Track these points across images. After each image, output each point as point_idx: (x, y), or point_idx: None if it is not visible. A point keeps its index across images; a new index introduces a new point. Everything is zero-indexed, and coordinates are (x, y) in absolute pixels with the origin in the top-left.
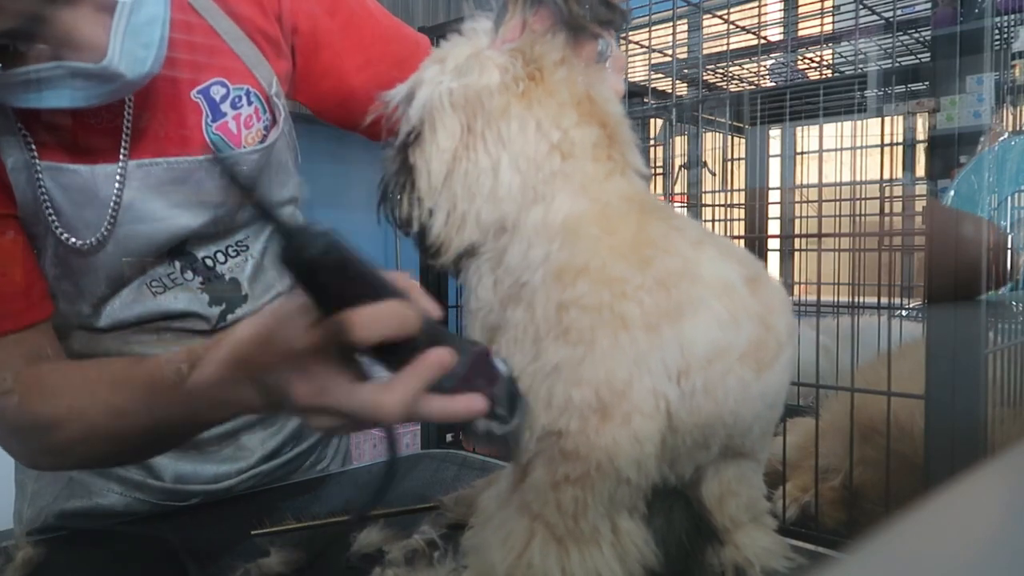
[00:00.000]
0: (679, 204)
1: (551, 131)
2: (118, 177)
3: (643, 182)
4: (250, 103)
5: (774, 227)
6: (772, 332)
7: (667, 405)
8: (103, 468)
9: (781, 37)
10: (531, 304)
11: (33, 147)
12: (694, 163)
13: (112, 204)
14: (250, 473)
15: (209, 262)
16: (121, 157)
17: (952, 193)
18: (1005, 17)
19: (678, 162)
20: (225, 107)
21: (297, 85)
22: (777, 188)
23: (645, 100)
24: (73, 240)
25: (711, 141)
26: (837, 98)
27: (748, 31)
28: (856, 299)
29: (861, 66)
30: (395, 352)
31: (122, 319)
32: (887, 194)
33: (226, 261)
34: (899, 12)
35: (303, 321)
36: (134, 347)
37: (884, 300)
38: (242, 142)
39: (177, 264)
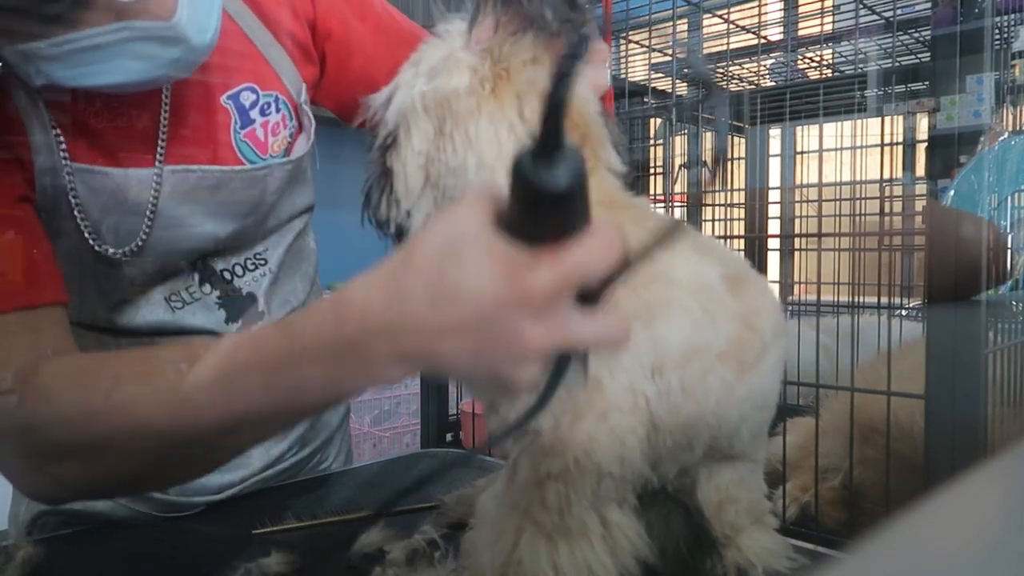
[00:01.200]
0: (679, 204)
1: (521, 132)
2: (154, 182)
3: (616, 180)
4: (278, 110)
5: (774, 227)
6: (756, 332)
7: (646, 402)
8: (124, 493)
9: (781, 37)
10: None
11: (64, 148)
12: (694, 163)
13: (149, 211)
14: (252, 480)
15: (227, 275)
16: (157, 162)
17: (952, 193)
18: (1005, 17)
19: (678, 162)
20: (254, 113)
21: (326, 90)
22: (777, 188)
23: (645, 100)
24: (106, 247)
25: (711, 141)
26: (837, 98)
27: (748, 31)
28: (856, 299)
29: (861, 66)
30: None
31: (138, 326)
32: (887, 194)
33: (244, 275)
34: (899, 12)
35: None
36: None
37: (884, 300)
38: (269, 149)
39: (196, 276)
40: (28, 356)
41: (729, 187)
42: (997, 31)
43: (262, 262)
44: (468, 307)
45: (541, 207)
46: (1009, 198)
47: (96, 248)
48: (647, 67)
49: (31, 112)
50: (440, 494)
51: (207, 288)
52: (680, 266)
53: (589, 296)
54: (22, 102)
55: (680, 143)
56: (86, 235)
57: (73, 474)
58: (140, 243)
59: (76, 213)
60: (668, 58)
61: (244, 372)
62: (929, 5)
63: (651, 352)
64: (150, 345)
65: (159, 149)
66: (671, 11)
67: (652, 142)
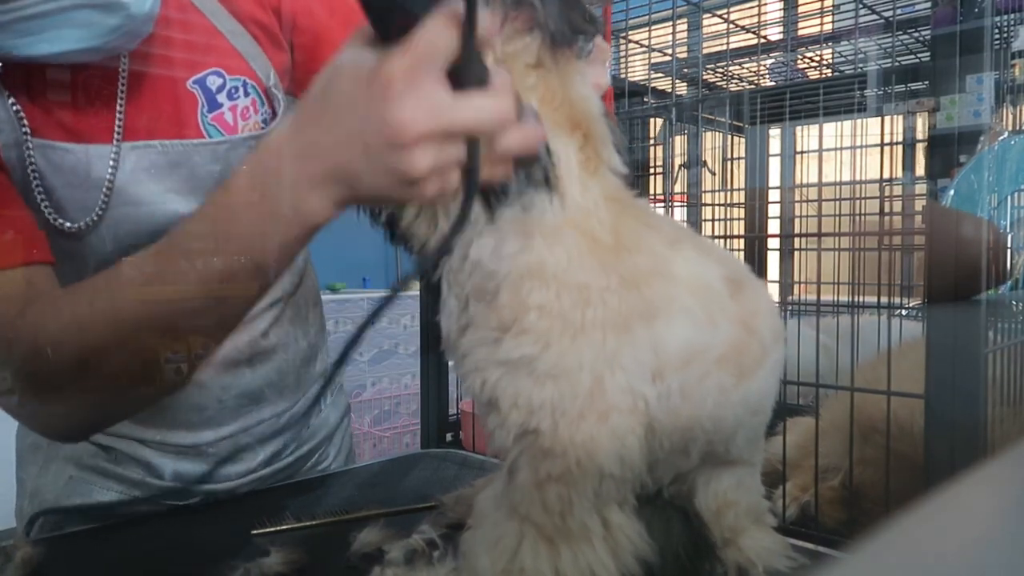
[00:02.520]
0: (679, 204)
1: None
2: (112, 158)
3: (617, 180)
4: (247, 94)
5: (774, 226)
6: (755, 336)
7: (645, 404)
8: (134, 410)
9: (781, 36)
10: (493, 300)
11: (25, 124)
12: (694, 162)
13: (105, 186)
14: (252, 476)
15: None
16: (115, 138)
17: (952, 192)
18: (1005, 16)
19: (678, 161)
20: (221, 97)
21: (299, 81)
22: (777, 188)
23: (645, 100)
24: (62, 221)
25: (711, 140)
26: (837, 97)
27: (748, 30)
28: (856, 298)
29: (861, 65)
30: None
31: None
32: (887, 193)
33: None
34: (899, 11)
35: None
36: None
37: (884, 299)
38: (239, 132)
39: None
40: (18, 301)
41: (729, 187)
42: (997, 31)
43: None
44: (346, 114)
45: (393, 7)
46: (1009, 198)
47: (52, 221)
48: (647, 67)
49: None
50: (439, 494)
51: None
52: (681, 263)
53: (464, 80)
54: None
55: (680, 143)
56: (43, 208)
57: (74, 399)
58: (96, 218)
59: (35, 187)
60: (668, 58)
61: (198, 235)
62: (929, 5)
63: (651, 352)
64: None
65: (117, 126)
66: (671, 11)
67: (652, 142)
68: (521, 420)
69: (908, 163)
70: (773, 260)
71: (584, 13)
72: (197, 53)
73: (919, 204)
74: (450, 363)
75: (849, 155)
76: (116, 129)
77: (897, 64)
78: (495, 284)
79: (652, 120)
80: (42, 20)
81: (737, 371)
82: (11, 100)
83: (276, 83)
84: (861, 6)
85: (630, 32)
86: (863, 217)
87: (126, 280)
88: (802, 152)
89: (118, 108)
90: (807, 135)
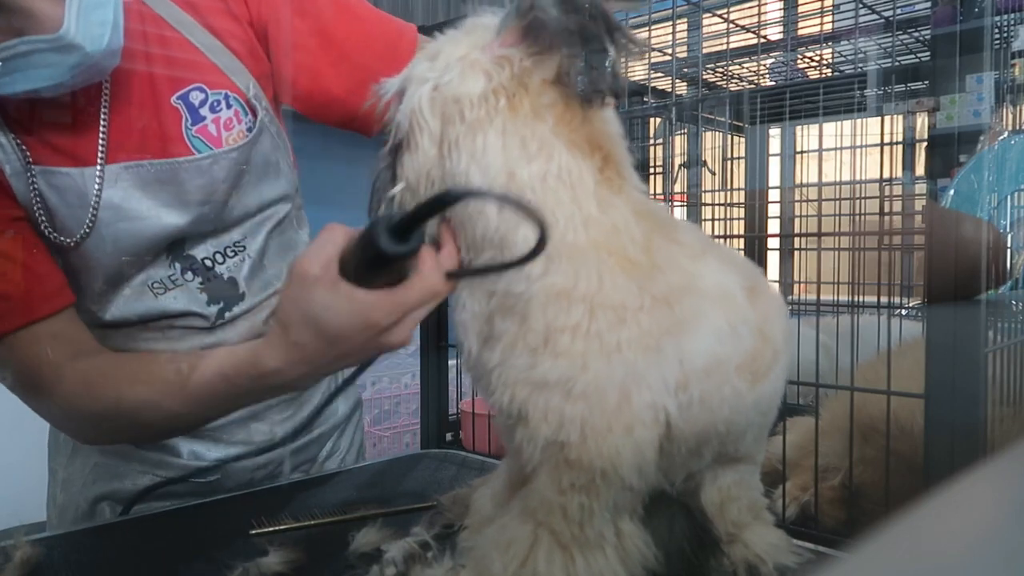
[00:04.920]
0: (679, 204)
1: (534, 150)
2: (97, 178)
3: (643, 196)
4: (229, 106)
5: (774, 226)
6: (769, 342)
7: (666, 415)
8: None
9: (781, 36)
10: (525, 318)
11: (28, 154)
12: (694, 162)
13: (92, 204)
14: (265, 457)
15: (208, 263)
16: (99, 160)
17: (952, 192)
18: (1005, 16)
19: (678, 161)
20: (204, 111)
21: (278, 87)
22: (777, 187)
23: (645, 99)
24: (62, 239)
25: (711, 140)
26: (837, 97)
27: (748, 30)
28: (856, 298)
29: (861, 65)
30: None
31: (126, 317)
32: (887, 193)
33: (224, 261)
34: (899, 11)
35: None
36: (140, 343)
37: (884, 299)
38: (223, 143)
39: (178, 266)
40: (53, 360)
41: (729, 187)
42: (997, 30)
43: (241, 248)
44: (345, 344)
45: (384, 264)
46: (1009, 197)
47: (53, 240)
48: (647, 67)
49: None
50: (438, 494)
51: (188, 276)
52: (708, 277)
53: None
54: None
55: (680, 143)
56: (43, 229)
57: (100, 436)
58: (85, 232)
59: (38, 211)
60: (668, 58)
61: (223, 395)
62: (929, 4)
63: (678, 367)
64: (138, 336)
65: (100, 147)
66: (671, 11)
67: (652, 142)
68: (550, 433)
69: (908, 163)
70: (773, 260)
71: (609, 75)
72: (179, 70)
73: (919, 204)
74: (468, 374)
75: (849, 155)
76: (100, 151)
77: (897, 64)
78: (523, 304)
79: (652, 120)
80: (11, 63)
81: (752, 376)
82: (12, 132)
83: (257, 93)
84: (861, 6)
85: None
86: (863, 217)
87: (152, 388)
88: (802, 152)
89: (101, 130)
90: (807, 135)
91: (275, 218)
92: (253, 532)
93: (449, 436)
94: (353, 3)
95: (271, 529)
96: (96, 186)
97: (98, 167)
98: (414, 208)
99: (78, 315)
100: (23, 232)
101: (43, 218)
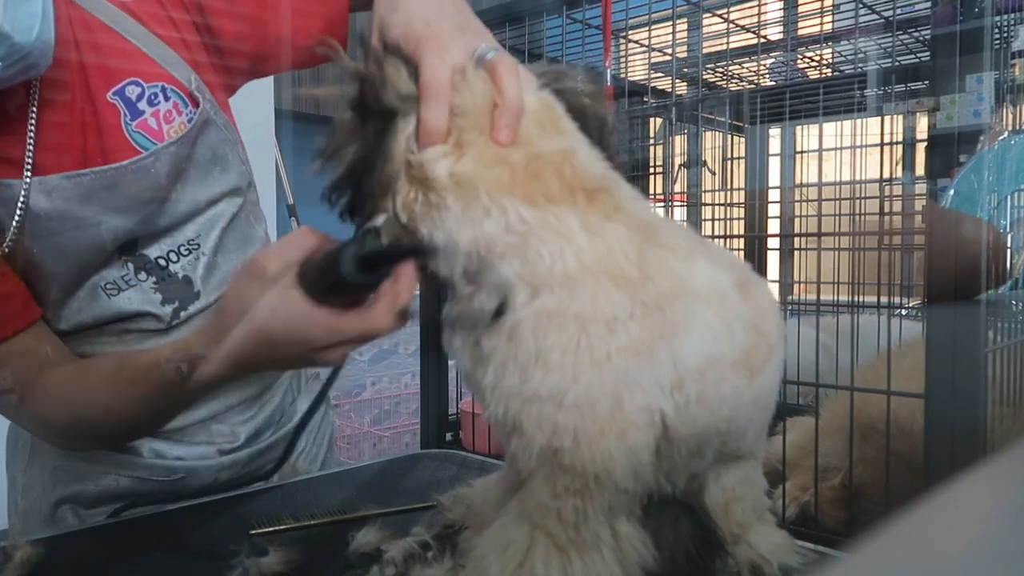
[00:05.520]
0: (679, 204)
1: (492, 213)
2: (23, 188)
3: (636, 206)
4: (167, 98)
5: (774, 226)
6: (763, 337)
7: (662, 417)
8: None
9: (781, 36)
10: (513, 336)
11: None
12: (694, 162)
13: (17, 214)
14: (230, 458)
15: (162, 262)
16: (26, 170)
17: (952, 192)
18: (1005, 16)
19: (678, 161)
20: (142, 105)
21: (233, 56)
22: (777, 187)
23: (645, 99)
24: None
25: (711, 140)
26: (837, 97)
27: (748, 30)
28: (856, 298)
29: (861, 65)
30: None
31: (81, 322)
32: (887, 193)
33: (179, 260)
34: (899, 11)
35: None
36: (97, 348)
37: (884, 299)
38: (165, 136)
39: (131, 266)
40: (23, 376)
41: (729, 187)
42: (997, 30)
43: (195, 247)
44: (276, 352)
45: (342, 289)
46: (1009, 197)
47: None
48: (647, 67)
49: None
50: (438, 494)
51: (142, 276)
52: (699, 277)
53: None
54: None
55: (680, 143)
56: None
57: (74, 444)
58: (11, 243)
59: None
60: (668, 58)
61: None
62: (929, 4)
63: (672, 369)
64: (95, 340)
65: (27, 157)
66: (671, 11)
67: (652, 142)
68: (544, 441)
69: (908, 163)
70: (773, 260)
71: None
72: (112, 67)
73: (919, 204)
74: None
75: (849, 155)
76: (26, 160)
77: (897, 64)
78: (510, 325)
79: (652, 120)
80: None
81: (748, 372)
82: None
83: (199, 85)
84: (861, 6)
85: (630, 32)
86: (863, 217)
87: (125, 379)
88: (802, 152)
89: (29, 136)
90: (807, 135)
91: (228, 214)
92: (253, 532)
93: (449, 436)
94: None
95: (271, 529)
96: (23, 196)
97: (25, 178)
98: (386, 248)
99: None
100: None
101: None
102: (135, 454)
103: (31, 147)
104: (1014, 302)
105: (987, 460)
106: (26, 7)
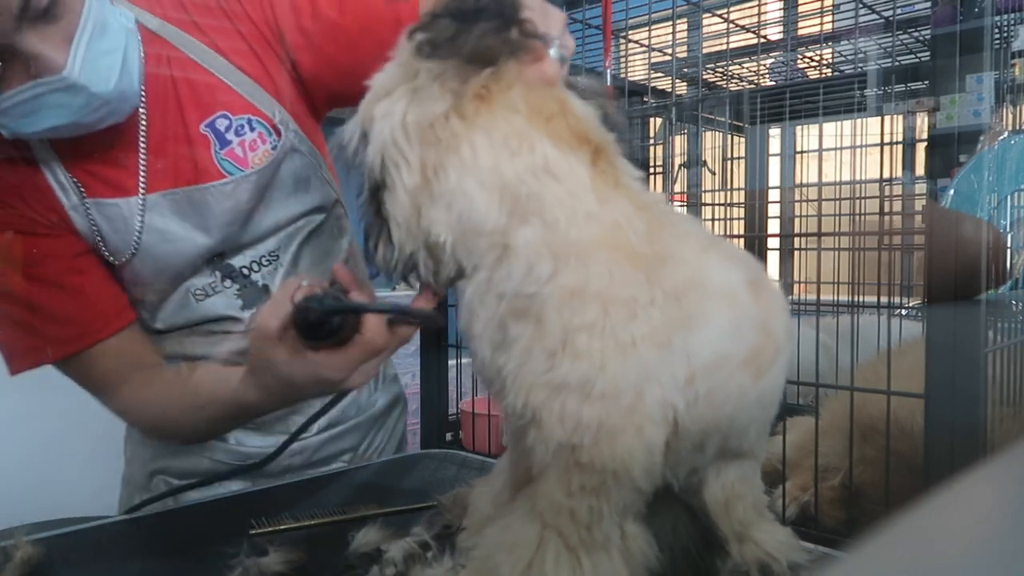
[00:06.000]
0: (679, 203)
1: (518, 147)
2: (140, 207)
3: (641, 188)
4: (252, 129)
5: (774, 226)
6: (771, 338)
7: (674, 413)
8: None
9: (781, 36)
10: (540, 320)
11: (82, 189)
12: (694, 162)
13: (137, 229)
14: (301, 444)
15: (245, 271)
16: (140, 189)
17: (952, 192)
18: (1005, 16)
19: (678, 161)
20: (230, 135)
21: (317, 95)
22: (777, 187)
23: (645, 99)
24: (111, 257)
25: (711, 140)
26: (837, 97)
27: (748, 30)
28: (856, 298)
29: (861, 65)
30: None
31: (174, 323)
32: (887, 193)
33: (259, 270)
34: (899, 11)
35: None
36: (188, 347)
37: (884, 299)
38: (249, 164)
39: (217, 274)
40: (116, 374)
41: (729, 187)
42: (997, 30)
43: (275, 258)
44: (306, 392)
45: (318, 333)
46: (1009, 197)
47: (108, 261)
48: (647, 67)
49: (49, 167)
50: (438, 494)
51: (227, 283)
52: (713, 273)
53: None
54: (46, 168)
55: (680, 143)
56: (104, 254)
57: (154, 436)
58: (132, 253)
59: (97, 238)
60: (668, 58)
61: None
62: (929, 4)
63: (686, 363)
64: (185, 340)
65: (141, 178)
66: (671, 11)
67: (652, 142)
68: (564, 436)
69: (908, 163)
70: (773, 260)
71: (504, 38)
72: (205, 102)
73: (919, 204)
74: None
75: (849, 155)
76: (141, 181)
77: (897, 64)
78: (537, 306)
79: (652, 120)
80: (25, 105)
81: (755, 372)
82: (67, 171)
83: (283, 118)
84: (861, 6)
85: (630, 32)
86: (863, 217)
87: (197, 404)
88: (802, 152)
89: (141, 161)
90: (807, 135)
91: (307, 229)
92: (253, 532)
93: (449, 436)
94: None
95: (271, 529)
96: (140, 213)
97: (140, 196)
98: (343, 305)
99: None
100: (89, 263)
101: (101, 244)
102: (221, 440)
103: (143, 175)
104: (1014, 302)
105: (987, 460)
106: (104, 60)
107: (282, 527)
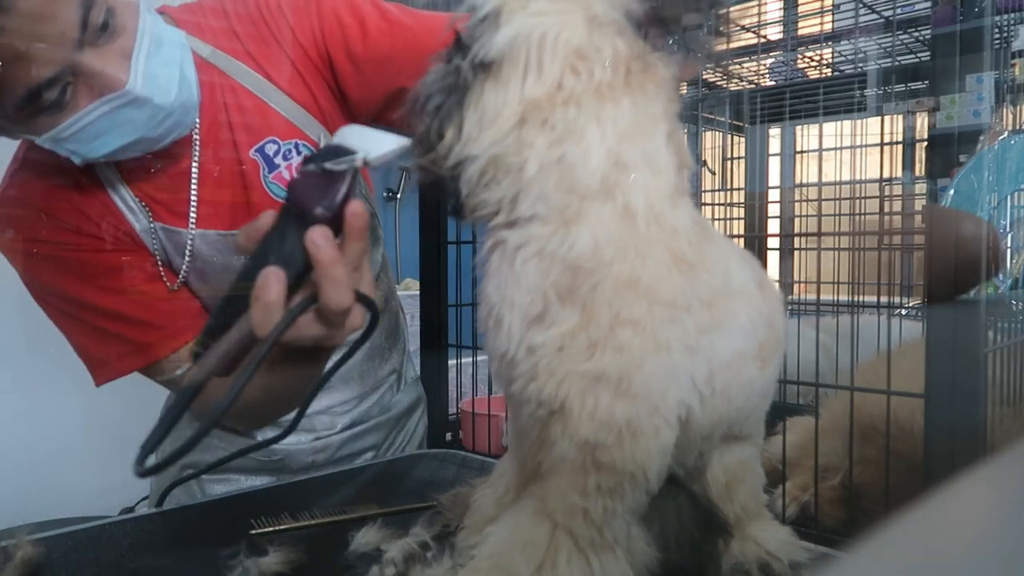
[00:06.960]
0: None
1: (647, 133)
2: (190, 238)
3: (691, 203)
4: (299, 153)
5: (774, 226)
6: (775, 331)
7: (688, 412)
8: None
9: (781, 36)
10: (588, 306)
11: (150, 213)
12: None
13: (187, 253)
14: (323, 442)
15: None
16: (191, 222)
17: (952, 192)
18: (1005, 16)
19: None
20: (278, 160)
21: (362, 108)
22: (777, 187)
23: None
24: (169, 284)
25: (711, 140)
26: (837, 97)
27: (748, 30)
28: (856, 298)
29: (861, 65)
30: None
31: None
32: (887, 193)
33: None
34: (899, 11)
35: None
36: None
37: (884, 299)
38: None
39: None
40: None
41: (729, 187)
42: (997, 30)
43: None
44: (313, 329)
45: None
46: (1008, 197)
47: (166, 283)
48: None
49: (116, 190)
50: (438, 494)
51: None
52: (736, 276)
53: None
54: (113, 191)
55: None
56: (160, 272)
57: (239, 424)
58: (183, 279)
59: (156, 259)
60: None
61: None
62: (929, 4)
63: (706, 364)
64: None
65: (191, 212)
66: None
67: None
68: (592, 433)
69: (908, 163)
70: (773, 260)
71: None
72: (255, 128)
73: (919, 204)
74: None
75: (849, 155)
76: (191, 215)
77: (897, 64)
78: (587, 290)
79: None
80: (93, 127)
81: (761, 363)
82: (138, 197)
83: (328, 139)
84: (861, 6)
85: None
86: (863, 217)
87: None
88: (802, 152)
89: (192, 194)
90: (807, 135)
91: None
92: (253, 532)
93: (449, 436)
94: (394, 11)
95: (271, 529)
96: (189, 243)
97: (190, 228)
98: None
99: None
100: (162, 272)
101: (168, 262)
102: (249, 437)
103: (195, 201)
104: (1014, 302)
105: (987, 460)
106: (163, 72)
107: (282, 527)
